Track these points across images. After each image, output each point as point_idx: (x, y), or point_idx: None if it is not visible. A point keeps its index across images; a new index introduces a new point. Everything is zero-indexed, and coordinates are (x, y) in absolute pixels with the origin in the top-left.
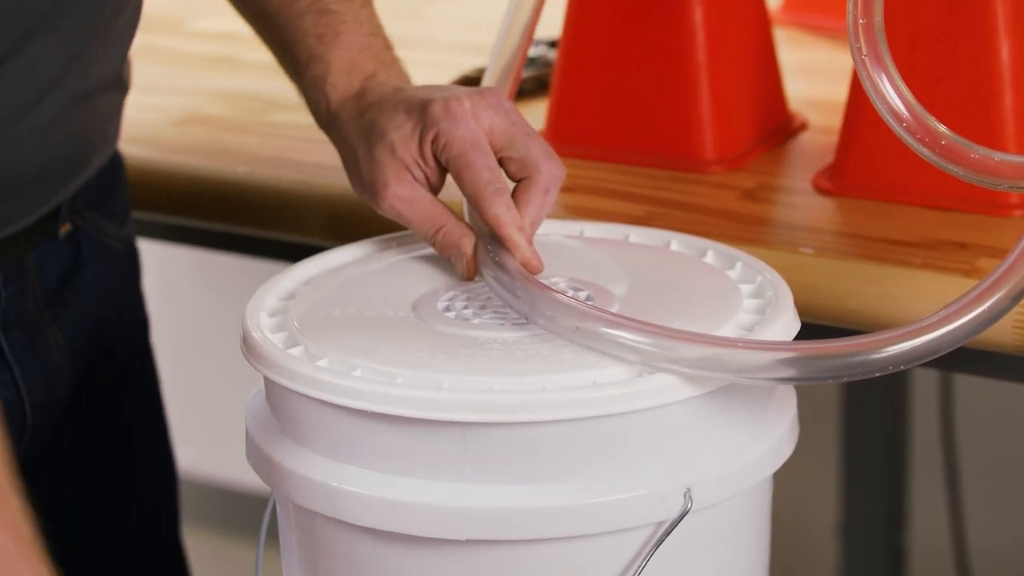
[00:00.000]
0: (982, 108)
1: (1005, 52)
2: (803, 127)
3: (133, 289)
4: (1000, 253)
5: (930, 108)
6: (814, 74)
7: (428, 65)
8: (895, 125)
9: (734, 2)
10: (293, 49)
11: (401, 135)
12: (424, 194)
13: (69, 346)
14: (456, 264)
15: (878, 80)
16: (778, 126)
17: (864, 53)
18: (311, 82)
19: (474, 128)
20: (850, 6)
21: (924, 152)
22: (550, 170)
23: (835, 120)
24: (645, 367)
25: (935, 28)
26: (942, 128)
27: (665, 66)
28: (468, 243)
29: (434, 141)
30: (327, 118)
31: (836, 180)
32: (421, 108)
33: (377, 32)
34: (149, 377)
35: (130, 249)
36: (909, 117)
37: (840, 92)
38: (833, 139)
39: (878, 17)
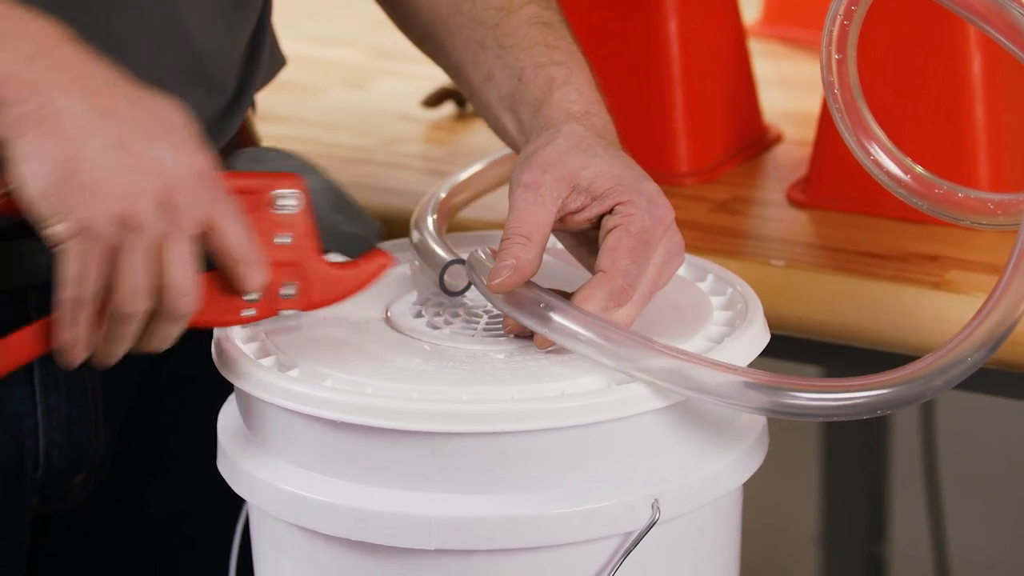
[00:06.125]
0: (953, 120)
1: (976, 64)
2: (778, 139)
3: None
4: (970, 266)
5: (901, 120)
6: (791, 86)
7: (407, 77)
8: (862, 157)
9: (709, 14)
10: (511, 52)
11: (596, 171)
12: (552, 207)
13: None
14: (492, 272)
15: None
16: (753, 138)
17: (836, 87)
18: (545, 79)
19: (650, 227)
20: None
21: (889, 185)
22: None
23: (811, 132)
24: (611, 370)
25: (907, 40)
26: (908, 160)
27: (639, 78)
28: (527, 266)
29: (620, 204)
30: (539, 109)
31: (809, 192)
32: (635, 178)
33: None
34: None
35: None
36: (877, 148)
37: (817, 104)
38: (808, 151)
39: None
